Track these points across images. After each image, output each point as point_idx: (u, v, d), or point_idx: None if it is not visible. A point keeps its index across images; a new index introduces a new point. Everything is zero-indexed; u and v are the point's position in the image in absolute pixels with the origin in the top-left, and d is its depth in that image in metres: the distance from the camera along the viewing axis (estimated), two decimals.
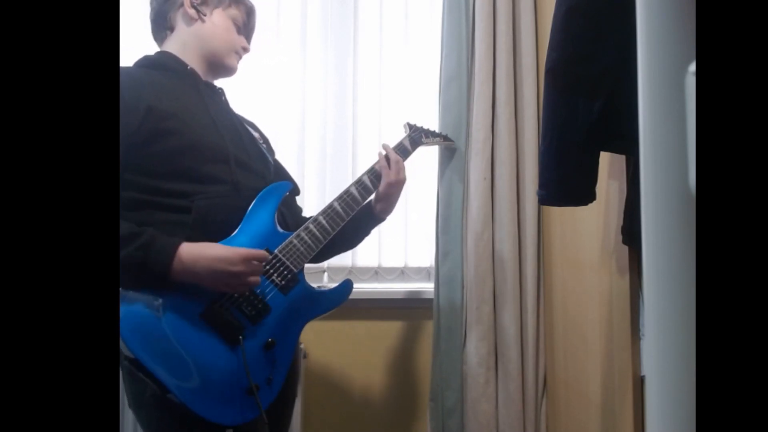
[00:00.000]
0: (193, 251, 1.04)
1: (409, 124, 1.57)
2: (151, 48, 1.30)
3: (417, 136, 1.54)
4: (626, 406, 1.20)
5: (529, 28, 1.77)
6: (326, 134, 1.95)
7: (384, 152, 1.42)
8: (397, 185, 1.39)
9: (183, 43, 1.25)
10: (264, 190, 1.19)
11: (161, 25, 1.28)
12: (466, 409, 1.71)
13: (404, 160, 1.45)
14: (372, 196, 1.39)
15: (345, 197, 1.30)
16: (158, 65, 1.22)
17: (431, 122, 1.83)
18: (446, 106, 1.78)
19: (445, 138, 1.72)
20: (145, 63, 1.22)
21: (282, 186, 1.24)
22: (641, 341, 1.19)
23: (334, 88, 1.96)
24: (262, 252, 1.09)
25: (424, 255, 1.94)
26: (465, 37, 1.77)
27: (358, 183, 1.34)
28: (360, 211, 1.35)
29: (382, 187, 1.38)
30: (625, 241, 1.19)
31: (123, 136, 1.06)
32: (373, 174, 1.38)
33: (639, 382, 1.18)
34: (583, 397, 1.45)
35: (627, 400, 1.20)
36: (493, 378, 1.72)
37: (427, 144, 1.61)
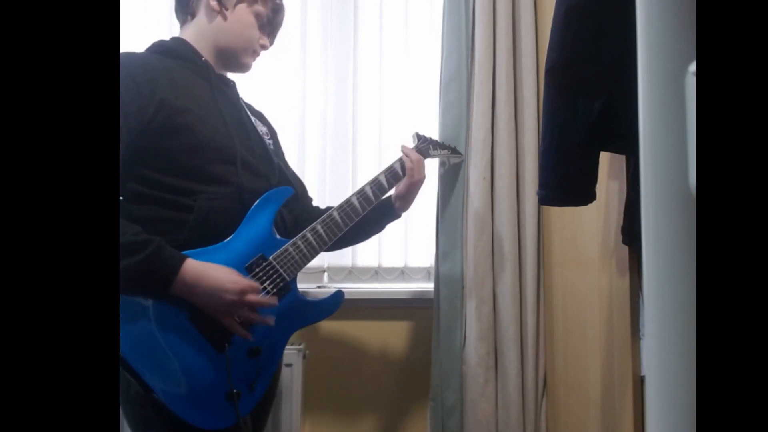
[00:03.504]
0: (197, 270, 1.03)
1: (418, 134, 1.57)
2: (166, 33, 1.28)
3: (425, 147, 1.55)
4: (626, 406, 1.20)
5: (529, 28, 1.77)
6: (326, 134, 1.95)
7: (404, 154, 1.44)
8: (418, 184, 1.44)
9: (200, 33, 1.23)
10: (264, 195, 1.17)
11: (184, 8, 1.26)
12: (465, 408, 1.71)
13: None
14: (375, 200, 1.38)
15: (345, 207, 1.28)
16: (172, 53, 1.19)
17: (431, 122, 1.84)
18: (446, 106, 1.78)
19: (453, 150, 1.70)
20: (159, 49, 1.20)
21: (282, 191, 1.21)
22: (641, 341, 1.19)
23: (334, 89, 1.96)
24: (257, 286, 1.08)
25: (424, 255, 1.94)
26: (465, 37, 1.77)
27: (360, 193, 1.33)
28: (379, 206, 1.37)
29: (403, 185, 1.41)
30: (625, 241, 1.19)
31: (136, 125, 1.04)
32: (391, 174, 1.39)
33: (639, 382, 1.18)
34: (583, 397, 1.45)
35: (627, 400, 1.20)
36: (493, 378, 1.72)
37: (434, 156, 1.62)
